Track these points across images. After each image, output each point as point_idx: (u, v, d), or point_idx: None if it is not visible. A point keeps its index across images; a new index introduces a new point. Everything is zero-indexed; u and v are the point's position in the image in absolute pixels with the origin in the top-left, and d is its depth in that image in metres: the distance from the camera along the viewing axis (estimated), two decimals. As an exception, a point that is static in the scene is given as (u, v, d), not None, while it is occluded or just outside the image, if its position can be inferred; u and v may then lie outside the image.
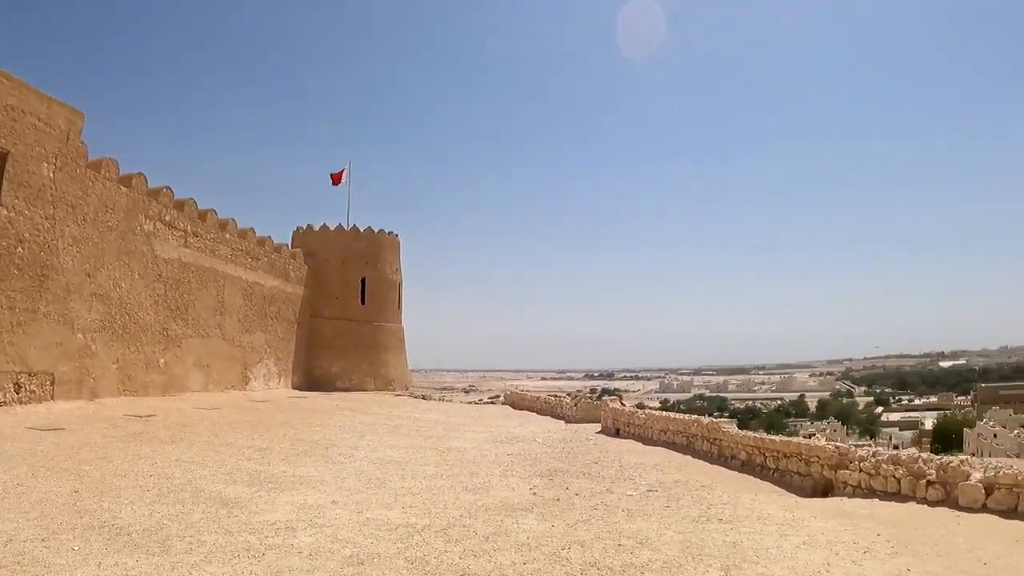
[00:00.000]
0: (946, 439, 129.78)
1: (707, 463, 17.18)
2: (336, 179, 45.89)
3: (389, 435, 21.54)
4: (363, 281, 44.16)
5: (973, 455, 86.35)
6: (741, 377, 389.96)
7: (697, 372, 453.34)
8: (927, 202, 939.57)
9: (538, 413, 34.82)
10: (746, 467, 16.25)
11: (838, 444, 14.34)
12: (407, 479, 13.38)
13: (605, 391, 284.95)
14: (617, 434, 23.51)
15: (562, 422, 29.76)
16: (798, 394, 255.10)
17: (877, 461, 12.43)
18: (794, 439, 15.31)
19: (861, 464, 12.84)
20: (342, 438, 19.89)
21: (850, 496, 12.70)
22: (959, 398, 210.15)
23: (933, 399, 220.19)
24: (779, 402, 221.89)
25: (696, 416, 19.66)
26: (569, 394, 31.52)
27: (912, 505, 11.08)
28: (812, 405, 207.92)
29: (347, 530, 8.86)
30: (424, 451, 18.12)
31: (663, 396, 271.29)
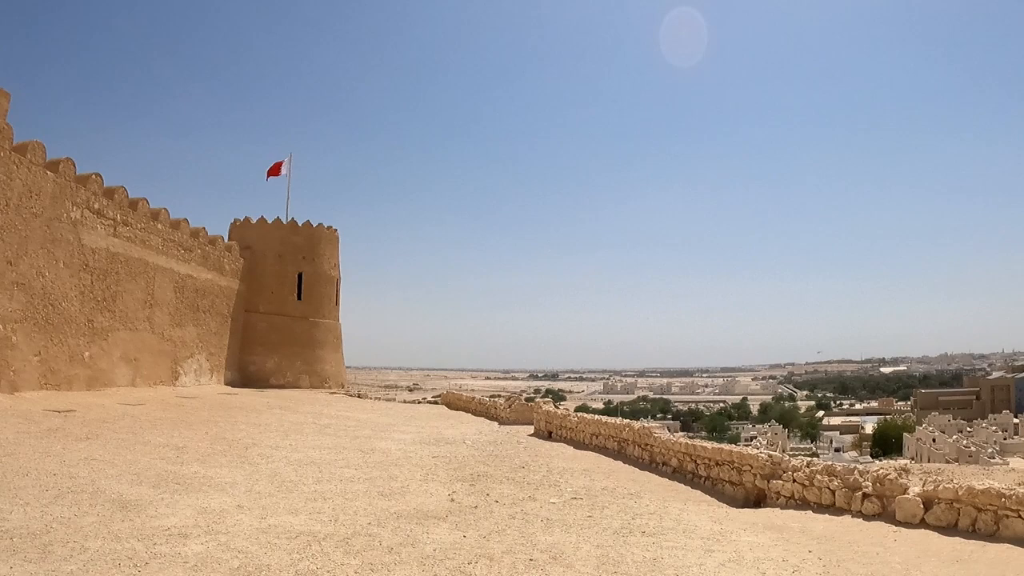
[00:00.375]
0: (886, 443, 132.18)
1: (638, 469, 16.81)
2: (274, 171, 45.02)
3: (315, 435, 21.02)
4: (300, 276, 43.36)
5: (912, 459, 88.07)
6: (685, 379, 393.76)
7: (641, 374, 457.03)
8: (870, 209, 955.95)
9: (473, 414, 34.44)
10: (677, 474, 15.90)
11: (771, 453, 13.87)
12: (322, 482, 12.94)
13: (549, 392, 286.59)
14: (549, 437, 23.24)
15: (496, 424, 29.41)
16: (741, 397, 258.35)
17: (811, 472, 12.09)
18: (726, 446, 14.93)
19: (795, 474, 12.48)
20: (265, 437, 19.36)
21: (783, 507, 12.38)
22: (899, 403, 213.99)
23: (874, 404, 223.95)
24: (722, 405, 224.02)
25: (627, 421, 19.36)
26: (504, 395, 31.08)
27: (847, 519, 10.75)
28: (754, 408, 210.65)
29: (243, 538, 8.42)
30: (347, 452, 17.65)
31: (607, 397, 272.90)
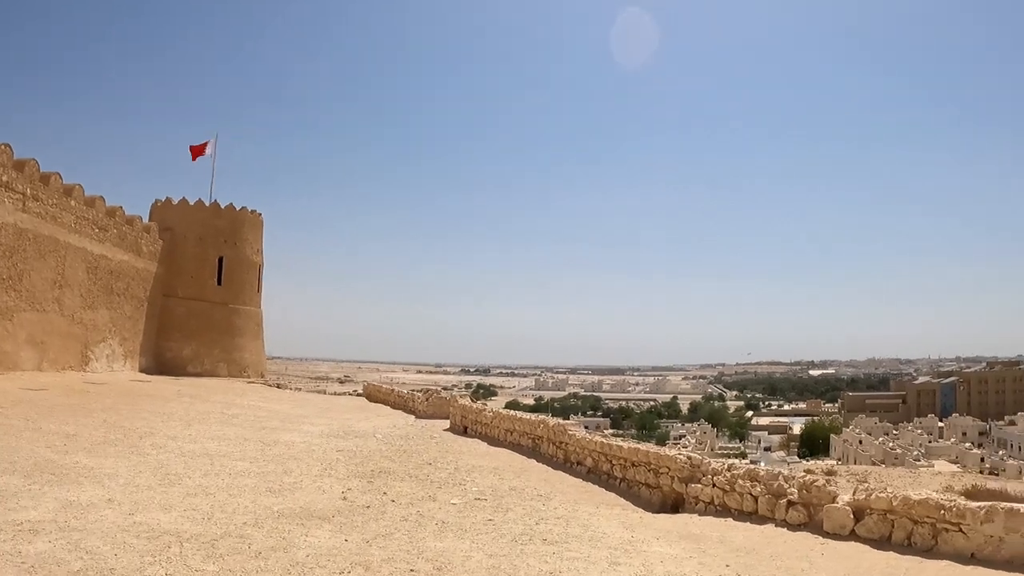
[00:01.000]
0: (813, 444, 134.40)
1: (551, 468, 16.23)
2: (198, 151, 43.68)
3: (219, 425, 20.27)
4: (221, 260, 42.19)
5: (839, 461, 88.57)
6: (616, 377, 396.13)
7: (573, 371, 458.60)
8: (803, 214, 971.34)
9: (392, 407, 33.88)
10: (592, 474, 15.29)
11: (691, 455, 13.10)
12: (210, 476, 12.25)
13: (480, 387, 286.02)
14: (465, 432, 22.76)
15: (413, 417, 28.90)
16: (671, 396, 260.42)
17: (733, 476, 11.36)
18: (643, 446, 14.22)
19: (715, 478, 11.74)
20: (166, 427, 18.56)
21: (702, 513, 11.65)
22: (827, 405, 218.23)
23: (802, 405, 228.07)
24: (652, 403, 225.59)
25: (543, 417, 18.97)
26: (425, 389, 30.59)
27: (770, 528, 9.94)
28: (684, 407, 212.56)
29: (99, 536, 7.73)
30: (248, 444, 16.95)
31: (538, 394, 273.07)
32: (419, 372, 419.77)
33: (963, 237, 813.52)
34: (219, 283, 42.07)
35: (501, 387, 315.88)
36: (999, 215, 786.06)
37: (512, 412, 20.05)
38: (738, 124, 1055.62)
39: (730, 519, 10.91)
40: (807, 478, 10.15)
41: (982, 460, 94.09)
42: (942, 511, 8.17)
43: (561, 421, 17.88)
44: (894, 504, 8.71)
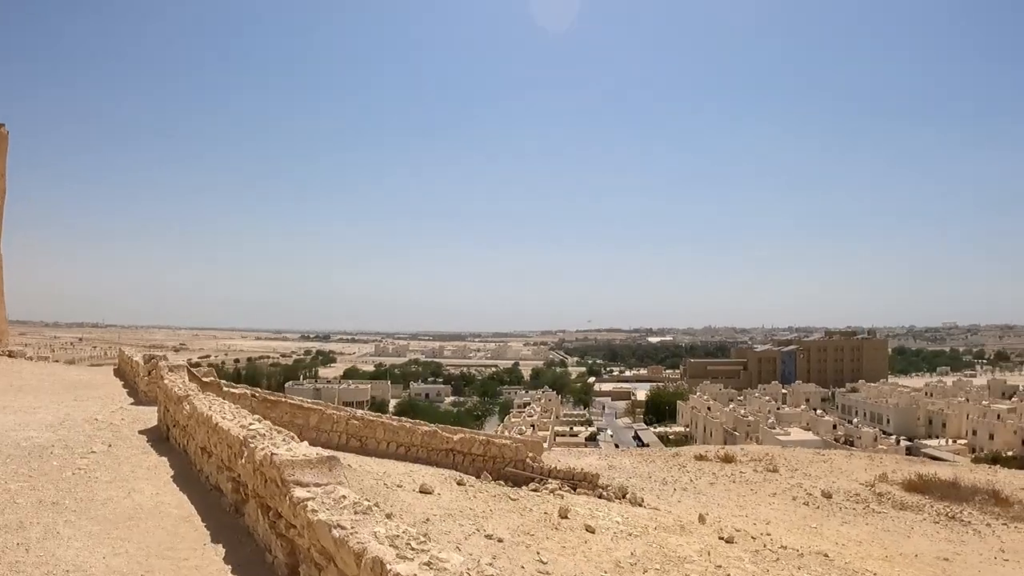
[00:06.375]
0: (659, 410, 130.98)
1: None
2: None
3: None
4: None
5: (687, 427, 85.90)
6: (457, 343, 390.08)
7: (414, 337, 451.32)
8: (639, 182, 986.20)
9: (124, 383, 24.08)
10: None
11: None
12: None
13: (320, 354, 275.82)
14: (168, 438, 13.46)
15: (131, 400, 19.34)
16: (513, 362, 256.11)
17: None
18: None
19: None
20: None
21: None
22: (668, 371, 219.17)
23: (643, 371, 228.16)
24: (494, 369, 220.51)
25: (256, 426, 9.98)
26: (149, 358, 20.59)
27: None
28: (527, 373, 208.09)
29: None
30: None
31: (378, 360, 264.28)
32: (258, 339, 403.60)
33: (795, 212, 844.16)
34: None
35: (341, 353, 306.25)
36: (828, 193, 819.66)
37: (224, 408, 10.71)
38: (544, 91, 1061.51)
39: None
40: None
41: (834, 427, 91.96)
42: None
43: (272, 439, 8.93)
44: None
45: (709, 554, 13.46)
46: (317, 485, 6.57)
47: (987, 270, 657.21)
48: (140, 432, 14.21)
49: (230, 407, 11.07)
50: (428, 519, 11.37)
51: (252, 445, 7.93)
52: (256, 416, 10.01)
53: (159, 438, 13.63)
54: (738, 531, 17.70)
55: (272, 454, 7.23)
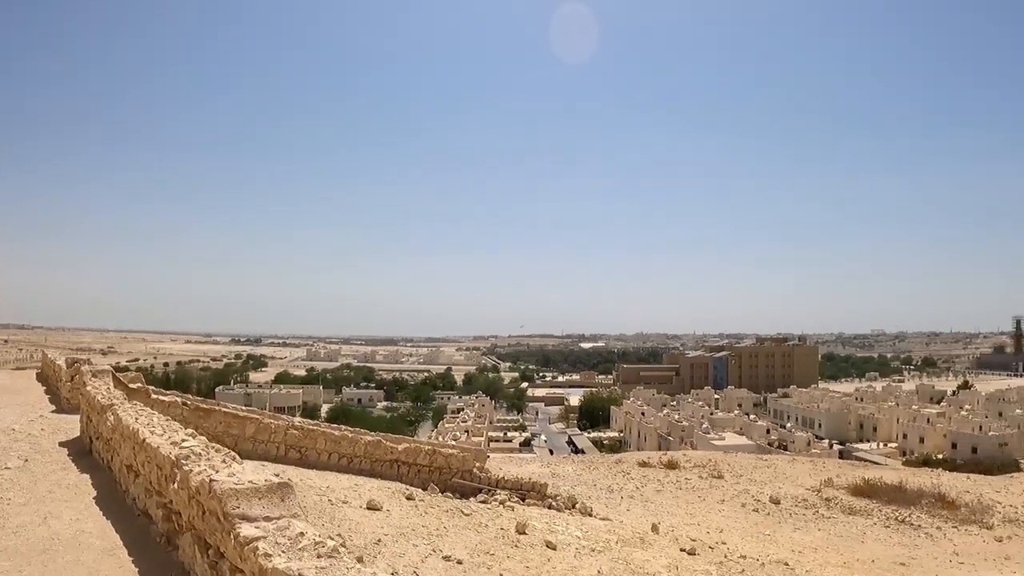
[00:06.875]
0: (593, 415, 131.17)
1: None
2: None
3: None
4: None
5: (621, 432, 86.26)
6: (389, 348, 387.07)
7: (346, 341, 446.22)
8: (569, 192, 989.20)
9: (47, 389, 22.62)
10: None
11: None
12: None
13: (251, 358, 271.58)
14: (90, 451, 12.29)
15: (53, 408, 18.01)
16: (445, 367, 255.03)
17: None
18: None
19: None
20: None
21: None
22: (600, 377, 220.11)
23: (576, 377, 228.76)
24: (427, 374, 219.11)
25: (190, 442, 8.89)
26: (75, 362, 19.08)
27: None
28: (459, 378, 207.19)
29: None
30: None
31: (310, 364, 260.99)
32: (188, 342, 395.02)
33: (725, 220, 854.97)
34: None
35: (272, 357, 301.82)
36: (758, 202, 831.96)
37: (148, 423, 9.61)
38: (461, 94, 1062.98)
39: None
40: None
41: (768, 432, 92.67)
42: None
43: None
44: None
45: (677, 568, 12.76)
46: (267, 519, 5.41)
47: (913, 279, 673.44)
48: (61, 444, 13.00)
49: (159, 419, 9.96)
50: (380, 540, 10.43)
51: (186, 467, 6.71)
52: (189, 430, 8.81)
53: (81, 451, 12.44)
54: (694, 540, 17.15)
55: (211, 480, 6.00)
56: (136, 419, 9.69)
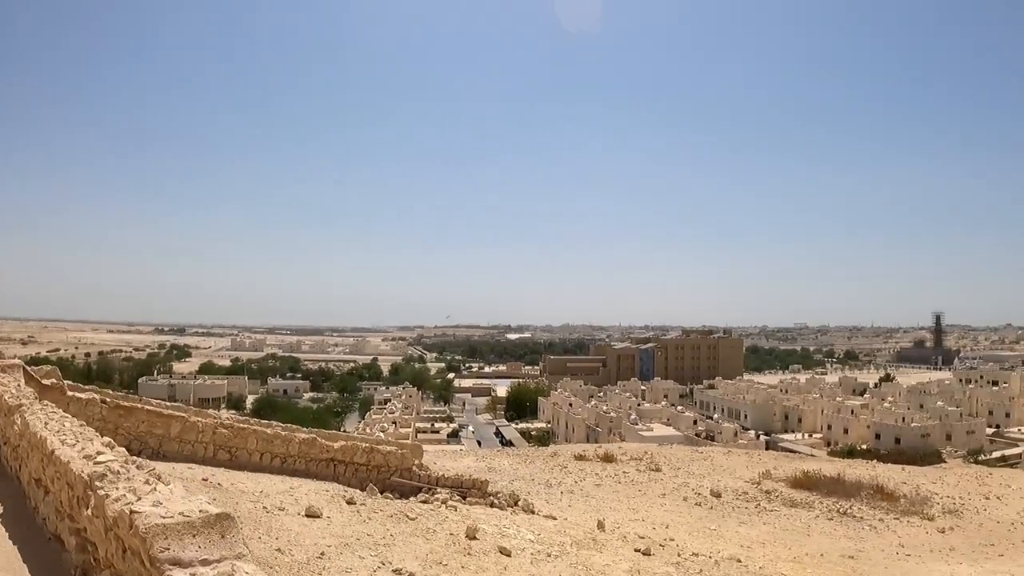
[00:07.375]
0: (520, 407, 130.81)
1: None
2: None
3: None
4: None
5: (549, 423, 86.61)
6: (315, 338, 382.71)
7: (271, 331, 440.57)
8: (497, 184, 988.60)
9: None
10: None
11: None
12: None
13: (175, 347, 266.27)
14: (-3, 458, 11.10)
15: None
16: (371, 357, 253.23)
17: None
18: None
19: None
20: None
21: None
22: (527, 368, 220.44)
23: (502, 368, 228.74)
24: (353, 365, 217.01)
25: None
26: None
27: None
28: (386, 369, 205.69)
29: None
30: None
31: (235, 354, 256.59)
32: (110, 332, 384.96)
33: (650, 213, 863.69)
34: None
35: (196, 347, 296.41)
36: (683, 196, 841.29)
37: (60, 429, 8.47)
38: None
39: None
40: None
41: (695, 423, 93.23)
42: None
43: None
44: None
45: (639, 572, 12.09)
46: (205, 563, 4.34)
47: (836, 274, 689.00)
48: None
49: (72, 424, 8.83)
50: (323, 552, 9.50)
51: (101, 491, 5.50)
52: (106, 439, 7.63)
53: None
54: (643, 538, 16.59)
55: (131, 512, 4.83)
56: (46, 424, 8.59)
